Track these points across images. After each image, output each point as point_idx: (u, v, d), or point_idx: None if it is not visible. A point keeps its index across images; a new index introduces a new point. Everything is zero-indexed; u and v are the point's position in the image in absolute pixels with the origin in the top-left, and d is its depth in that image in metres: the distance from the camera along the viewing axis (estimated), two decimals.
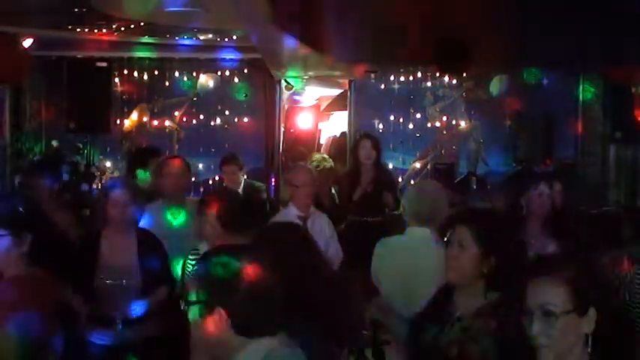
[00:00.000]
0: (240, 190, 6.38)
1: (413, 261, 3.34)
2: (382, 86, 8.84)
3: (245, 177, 6.56)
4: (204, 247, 3.57)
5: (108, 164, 8.63)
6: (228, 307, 1.82)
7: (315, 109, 9.50)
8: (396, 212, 6.21)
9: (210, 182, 8.51)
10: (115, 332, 3.64)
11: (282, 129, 8.73)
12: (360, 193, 5.78)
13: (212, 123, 8.90)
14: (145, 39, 7.59)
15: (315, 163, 6.20)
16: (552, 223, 3.85)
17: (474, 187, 7.72)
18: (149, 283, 3.71)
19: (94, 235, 3.79)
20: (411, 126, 8.81)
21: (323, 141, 9.92)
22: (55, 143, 8.17)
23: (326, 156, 6.46)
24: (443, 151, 8.77)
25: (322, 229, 4.40)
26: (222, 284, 1.84)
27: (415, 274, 3.26)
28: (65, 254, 3.88)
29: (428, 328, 2.53)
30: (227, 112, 8.90)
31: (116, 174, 8.29)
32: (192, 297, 1.87)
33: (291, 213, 4.31)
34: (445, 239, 2.55)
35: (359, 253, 4.67)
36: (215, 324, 1.83)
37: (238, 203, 3.68)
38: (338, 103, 9.50)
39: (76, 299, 3.18)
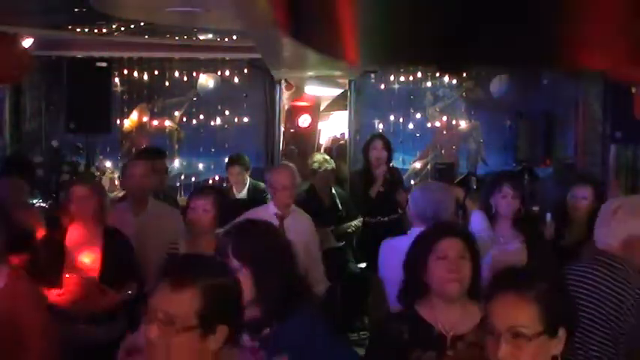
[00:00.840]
0: (245, 191, 6.38)
1: None
2: (382, 86, 8.84)
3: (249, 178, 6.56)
4: (182, 245, 3.64)
5: (108, 164, 8.62)
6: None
7: (315, 109, 9.50)
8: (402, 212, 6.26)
9: (210, 182, 8.51)
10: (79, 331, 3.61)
11: (282, 129, 8.73)
12: (375, 193, 5.83)
13: (212, 123, 8.90)
14: (145, 39, 7.59)
15: (316, 164, 6.20)
16: (519, 222, 3.94)
17: (474, 187, 7.72)
18: (116, 278, 3.71)
19: (60, 231, 3.82)
20: (411, 126, 8.81)
21: (323, 141, 9.93)
22: (55, 143, 8.17)
23: (327, 157, 6.45)
24: (443, 151, 8.77)
25: (305, 230, 4.35)
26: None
27: None
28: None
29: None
30: (227, 112, 8.90)
31: (116, 174, 8.30)
32: None
33: (269, 210, 4.32)
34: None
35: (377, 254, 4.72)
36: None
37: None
38: (338, 103, 9.50)
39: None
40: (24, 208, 4.54)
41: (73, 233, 3.79)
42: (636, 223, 2.60)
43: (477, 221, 3.87)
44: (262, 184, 6.80)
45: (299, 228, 4.23)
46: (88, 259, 3.73)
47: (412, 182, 8.67)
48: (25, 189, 4.73)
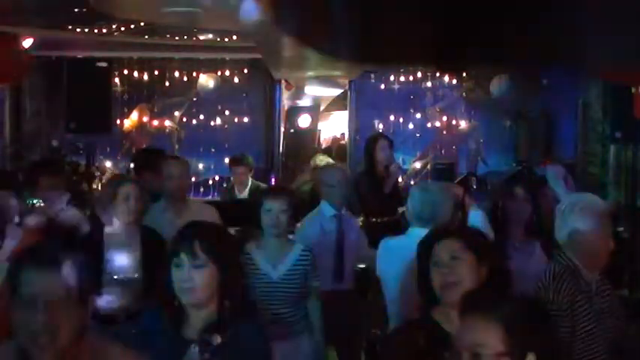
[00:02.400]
0: (246, 192, 6.37)
1: (413, 260, 3.34)
2: (382, 86, 8.85)
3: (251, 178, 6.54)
4: (252, 247, 3.57)
5: (108, 164, 8.63)
6: None
7: (315, 109, 9.50)
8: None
9: (210, 182, 8.52)
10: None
11: (282, 129, 8.73)
12: (382, 194, 5.80)
13: (212, 123, 8.91)
14: (145, 39, 7.59)
15: (317, 163, 6.22)
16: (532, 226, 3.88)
17: (474, 187, 7.72)
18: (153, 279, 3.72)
19: (100, 232, 3.81)
20: (411, 126, 8.82)
21: (323, 141, 9.93)
22: (55, 143, 8.18)
23: (328, 157, 6.46)
24: (443, 151, 8.78)
25: (353, 225, 4.49)
26: None
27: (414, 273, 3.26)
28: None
29: None
30: (227, 112, 8.90)
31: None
32: None
33: (324, 212, 4.30)
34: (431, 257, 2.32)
35: None
36: None
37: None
38: (338, 103, 9.50)
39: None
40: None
41: (112, 234, 3.79)
42: (577, 219, 2.73)
43: (477, 220, 3.85)
44: (264, 185, 6.79)
45: (352, 227, 4.40)
46: (127, 260, 3.73)
47: (412, 182, 8.67)
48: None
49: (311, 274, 3.56)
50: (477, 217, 3.85)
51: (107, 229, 3.76)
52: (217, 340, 2.14)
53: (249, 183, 6.42)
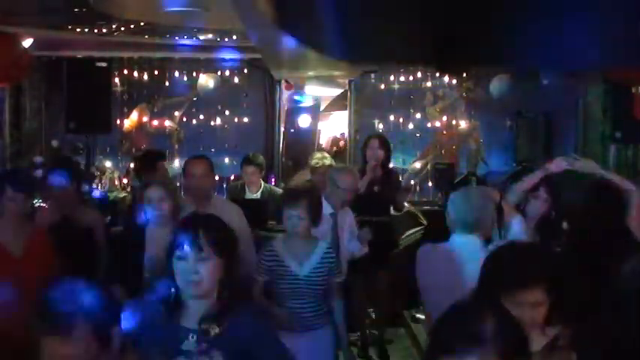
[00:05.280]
0: (259, 193, 6.33)
1: (458, 268, 3.22)
2: (382, 86, 8.85)
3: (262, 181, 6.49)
4: (279, 245, 3.73)
5: (108, 164, 8.63)
6: None
7: (315, 110, 9.50)
8: (399, 213, 6.23)
9: None
10: None
11: (282, 129, 8.73)
12: (364, 190, 5.77)
13: (212, 123, 8.90)
14: (145, 39, 7.59)
15: (315, 161, 6.20)
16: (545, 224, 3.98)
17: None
18: None
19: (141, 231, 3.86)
20: (411, 126, 8.81)
21: (323, 141, 9.93)
22: (55, 143, 8.18)
23: (326, 154, 6.44)
24: (443, 151, 8.77)
25: (350, 224, 4.72)
26: None
27: (461, 283, 3.07)
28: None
29: None
30: (227, 112, 8.90)
31: (116, 174, 8.30)
32: None
33: (324, 209, 4.39)
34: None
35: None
36: None
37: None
38: (338, 103, 9.50)
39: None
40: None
41: (151, 234, 3.84)
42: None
43: (518, 226, 3.89)
44: (277, 190, 6.69)
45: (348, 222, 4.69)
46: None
47: (412, 182, 8.68)
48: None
49: (334, 271, 3.75)
50: (517, 224, 3.87)
51: (148, 230, 3.86)
52: (215, 330, 2.15)
53: (261, 184, 6.38)
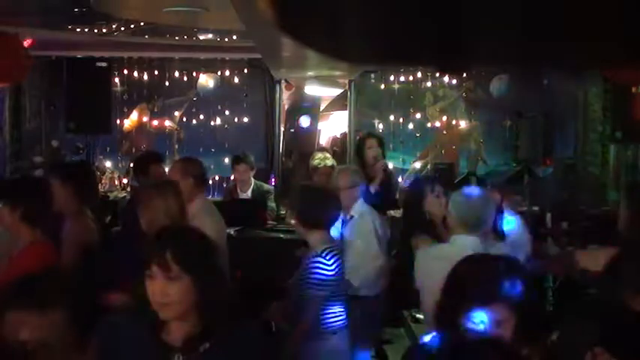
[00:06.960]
0: (249, 192, 6.36)
1: None
2: (382, 86, 8.85)
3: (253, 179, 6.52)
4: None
5: (108, 164, 8.63)
6: None
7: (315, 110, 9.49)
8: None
9: (211, 182, 8.50)
10: None
11: (282, 129, 8.72)
12: (369, 193, 5.76)
13: (212, 123, 8.90)
14: (145, 39, 7.59)
15: (316, 162, 6.21)
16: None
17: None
18: None
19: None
20: (411, 126, 8.81)
21: (323, 141, 9.91)
22: (55, 143, 8.17)
23: (328, 155, 6.44)
24: (443, 151, 8.77)
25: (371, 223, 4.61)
26: None
27: None
28: None
29: None
30: (227, 112, 8.90)
31: (116, 174, 8.30)
32: None
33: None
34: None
35: None
36: None
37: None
38: (338, 103, 9.49)
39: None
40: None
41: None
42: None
43: (515, 226, 3.88)
44: (266, 186, 6.77)
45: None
46: None
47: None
48: None
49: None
50: (516, 223, 3.85)
51: None
52: (205, 346, 2.02)
53: (252, 182, 6.41)
